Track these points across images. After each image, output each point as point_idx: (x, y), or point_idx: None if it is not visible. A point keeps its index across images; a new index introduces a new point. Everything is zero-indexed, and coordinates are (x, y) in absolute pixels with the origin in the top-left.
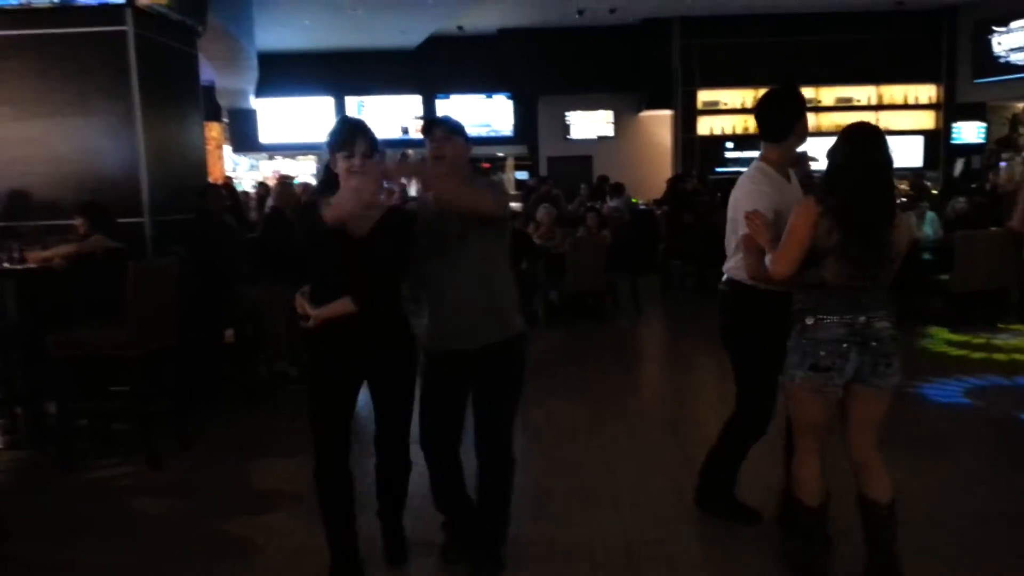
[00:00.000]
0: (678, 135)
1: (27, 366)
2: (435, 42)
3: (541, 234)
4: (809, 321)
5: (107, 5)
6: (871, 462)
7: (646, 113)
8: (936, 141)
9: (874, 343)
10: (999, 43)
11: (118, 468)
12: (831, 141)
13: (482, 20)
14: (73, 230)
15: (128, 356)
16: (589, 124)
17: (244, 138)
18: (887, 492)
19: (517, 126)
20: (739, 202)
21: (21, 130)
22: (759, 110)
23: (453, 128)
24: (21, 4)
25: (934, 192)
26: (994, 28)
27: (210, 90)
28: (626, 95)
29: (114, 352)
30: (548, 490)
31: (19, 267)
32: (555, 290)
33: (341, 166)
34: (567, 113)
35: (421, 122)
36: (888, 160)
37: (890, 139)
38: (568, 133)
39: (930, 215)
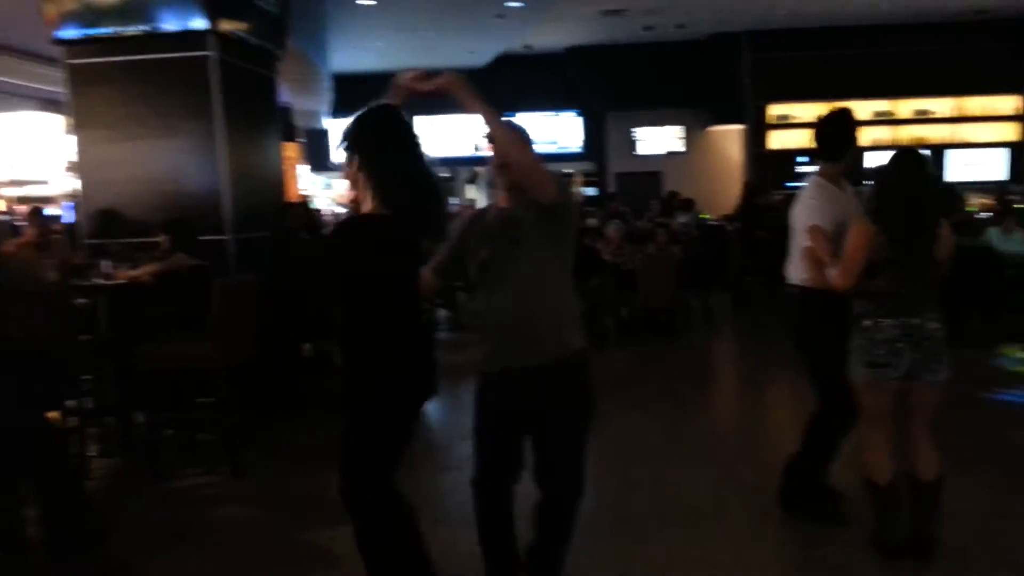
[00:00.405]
0: (748, 150)
1: (118, 378)
2: (503, 61)
3: (611, 251)
4: (867, 323)
5: (191, 32)
6: (923, 444)
7: (715, 128)
8: (1021, 153)
9: (926, 342)
10: None
11: (203, 477)
12: None
13: (550, 39)
14: (158, 247)
15: (213, 369)
16: (658, 140)
17: (319, 157)
18: (935, 471)
19: (585, 143)
20: (800, 216)
21: (113, 152)
22: (819, 131)
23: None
24: (113, 33)
25: (1019, 206)
26: None
27: (287, 111)
28: (695, 110)
29: (199, 365)
30: (622, 510)
31: (110, 283)
32: (625, 307)
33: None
34: (635, 129)
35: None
36: (931, 182)
37: (970, 152)
38: (636, 149)
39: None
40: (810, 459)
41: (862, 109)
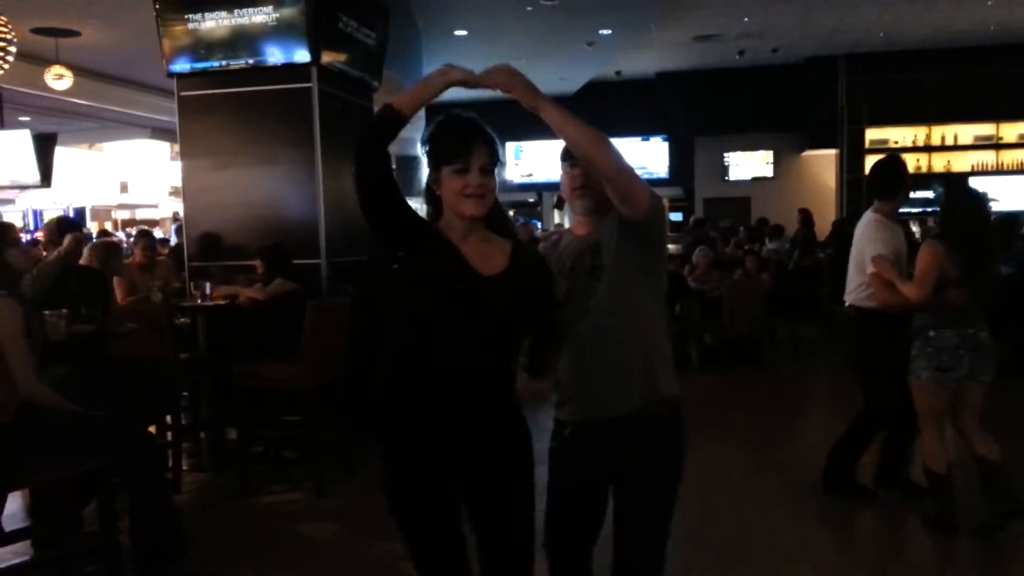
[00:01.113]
0: (842, 175)
1: (213, 395)
2: (593, 87)
3: (696, 276)
4: (932, 334)
5: (295, 65)
6: (975, 432)
7: (808, 153)
8: None
9: (980, 349)
10: None
11: (288, 494)
12: (1016, 179)
13: (640, 65)
14: (253, 270)
15: (302, 389)
16: (748, 165)
17: (410, 183)
18: (994, 451)
19: (672, 167)
20: (865, 247)
21: (218, 178)
22: (873, 175)
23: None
24: (221, 66)
25: None
26: None
27: None
28: (787, 135)
29: (290, 385)
30: (701, 541)
31: (209, 303)
32: (710, 334)
33: (449, 185)
34: (726, 154)
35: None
36: (989, 211)
37: None
38: (727, 175)
39: None
40: (849, 450)
41: (964, 133)
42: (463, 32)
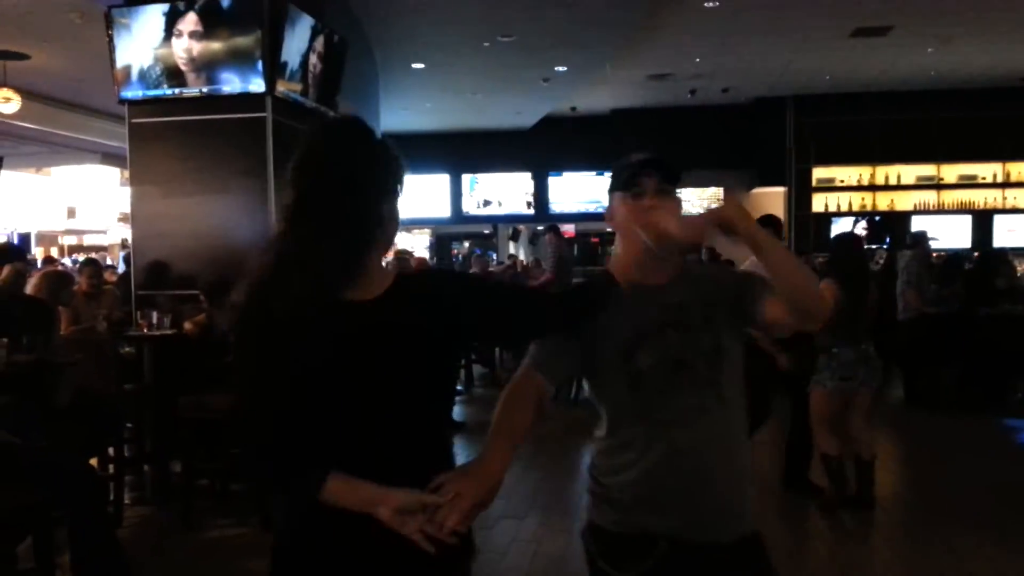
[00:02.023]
0: (791, 212)
1: (158, 427)
2: (549, 122)
3: None
4: (835, 351)
5: (249, 94)
6: (863, 430)
7: (758, 190)
8: None
9: (870, 361)
10: None
11: (234, 528)
12: (955, 219)
13: (595, 101)
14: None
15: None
16: (699, 201)
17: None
18: (871, 454)
19: None
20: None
21: (167, 207)
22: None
23: (671, 177)
24: (174, 94)
25: None
26: None
27: None
28: (738, 172)
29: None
30: None
31: (156, 333)
32: None
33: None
34: (677, 191)
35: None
36: (864, 254)
37: (1017, 218)
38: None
39: None
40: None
41: (907, 173)
42: (420, 65)
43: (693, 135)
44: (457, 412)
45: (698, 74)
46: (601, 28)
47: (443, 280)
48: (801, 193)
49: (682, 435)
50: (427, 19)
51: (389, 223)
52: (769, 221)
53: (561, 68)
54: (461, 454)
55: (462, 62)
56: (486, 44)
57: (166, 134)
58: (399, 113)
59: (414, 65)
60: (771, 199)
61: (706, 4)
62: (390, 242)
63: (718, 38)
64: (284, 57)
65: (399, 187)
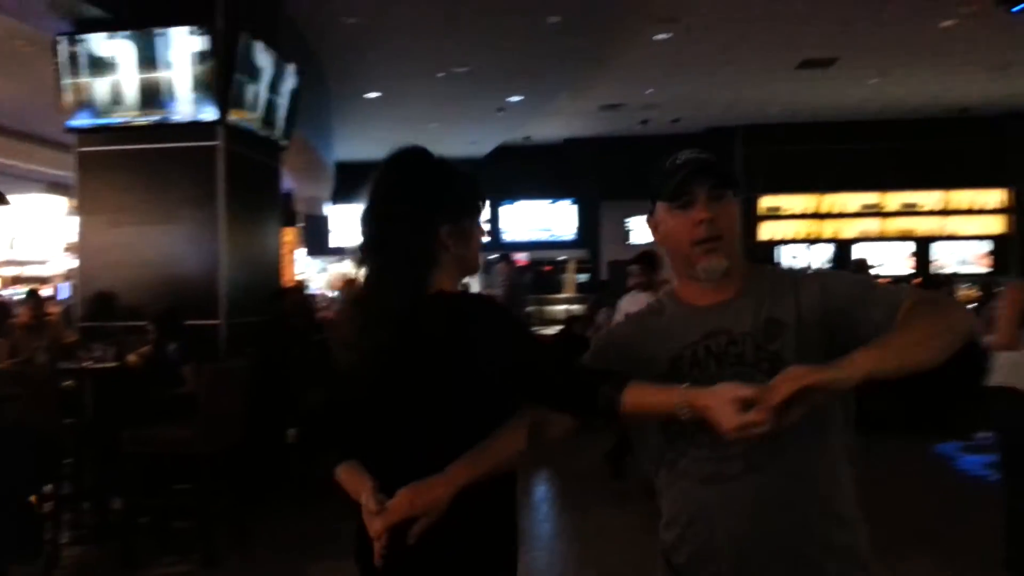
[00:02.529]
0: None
1: (98, 462)
2: (503, 151)
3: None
4: None
5: (201, 123)
6: None
7: None
8: (1006, 246)
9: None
10: None
11: (176, 565)
12: (897, 246)
13: (549, 131)
14: (147, 331)
15: (195, 454)
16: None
17: (317, 242)
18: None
19: (580, 230)
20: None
21: (114, 236)
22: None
23: (725, 179)
24: (123, 122)
25: None
26: None
27: (289, 197)
28: None
29: (183, 450)
30: None
31: (97, 366)
32: None
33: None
34: (628, 219)
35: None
36: None
37: (955, 244)
38: (628, 239)
39: None
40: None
41: (851, 202)
42: (375, 94)
43: (645, 164)
44: None
45: (649, 105)
46: (555, 59)
47: (477, 311)
48: (749, 222)
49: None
50: (381, 49)
51: (457, 244)
52: (644, 259)
53: (515, 98)
54: None
55: (417, 92)
56: (441, 74)
57: (115, 163)
58: (352, 142)
59: (368, 95)
60: None
61: (657, 37)
62: (465, 262)
63: (669, 70)
64: (237, 85)
65: (466, 208)
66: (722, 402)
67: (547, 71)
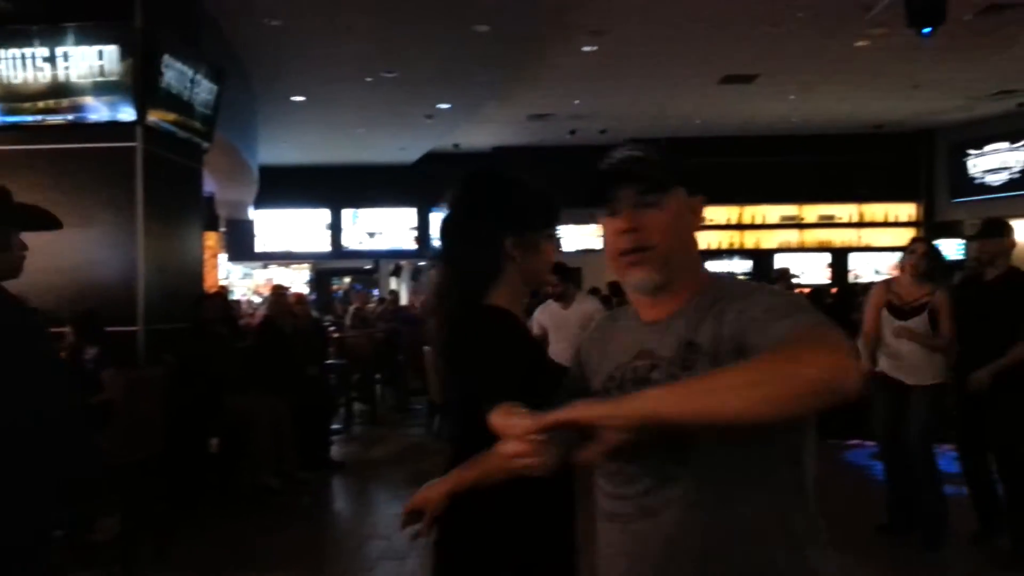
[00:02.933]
0: None
1: None
2: (431, 158)
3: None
4: None
5: (118, 123)
6: None
7: None
8: None
9: None
10: (974, 165)
11: None
12: (815, 256)
13: (478, 139)
14: (63, 337)
15: (113, 464)
16: (579, 237)
17: (240, 247)
18: None
19: None
20: None
21: (28, 239)
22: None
23: (655, 183)
24: (36, 121)
25: None
26: (969, 151)
27: (211, 201)
28: None
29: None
30: None
31: None
32: None
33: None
34: (558, 227)
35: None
36: None
37: (870, 256)
38: (560, 246)
39: None
40: None
41: (771, 213)
42: (300, 98)
43: (572, 173)
44: (335, 451)
45: (577, 115)
46: (483, 68)
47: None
48: None
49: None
50: (307, 53)
51: (524, 255)
52: (558, 269)
53: (444, 105)
54: (340, 495)
55: (344, 96)
56: (369, 79)
57: (27, 163)
58: (278, 146)
59: (294, 98)
60: None
61: (585, 49)
62: (532, 273)
63: (596, 81)
64: (156, 85)
65: (531, 221)
66: (510, 429)
67: (476, 79)
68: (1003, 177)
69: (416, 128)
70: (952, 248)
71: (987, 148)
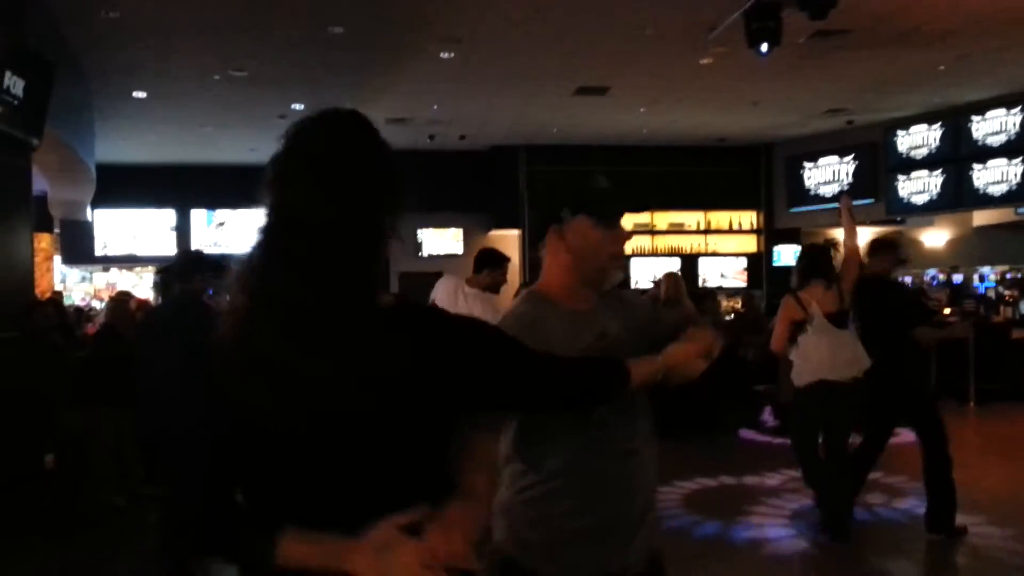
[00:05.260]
0: (525, 253)
1: None
2: None
3: None
4: None
5: None
6: None
7: (495, 232)
8: (759, 263)
9: None
10: (809, 176)
11: None
12: (666, 262)
13: None
14: None
15: None
16: (440, 241)
17: (77, 249)
18: None
19: None
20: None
21: None
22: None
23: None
24: None
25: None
26: (805, 163)
27: (42, 200)
28: (476, 215)
29: None
30: None
31: None
32: None
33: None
34: (419, 231)
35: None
36: None
37: (717, 261)
38: (420, 250)
39: None
40: None
41: (625, 220)
42: (142, 94)
43: (433, 178)
44: None
45: (436, 120)
46: (338, 70)
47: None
48: (534, 236)
49: (596, 456)
50: (147, 45)
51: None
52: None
53: (298, 106)
54: None
55: (190, 93)
56: (216, 76)
57: None
58: (118, 144)
59: (135, 94)
60: (507, 241)
61: (442, 55)
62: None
63: (453, 88)
64: None
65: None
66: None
67: (331, 81)
68: (835, 188)
69: (268, 128)
70: (790, 255)
71: (820, 161)
